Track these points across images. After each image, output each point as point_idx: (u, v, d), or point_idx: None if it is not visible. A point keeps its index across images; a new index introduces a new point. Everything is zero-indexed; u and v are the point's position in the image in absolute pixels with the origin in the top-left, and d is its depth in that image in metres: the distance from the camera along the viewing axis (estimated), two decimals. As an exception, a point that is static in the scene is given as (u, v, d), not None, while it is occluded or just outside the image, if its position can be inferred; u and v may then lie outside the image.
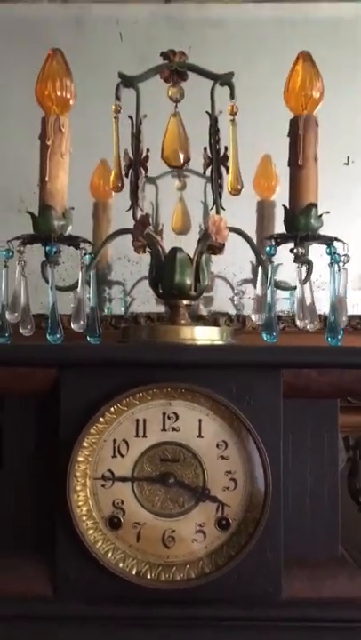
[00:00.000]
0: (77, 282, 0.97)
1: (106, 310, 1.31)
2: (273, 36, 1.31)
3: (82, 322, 0.95)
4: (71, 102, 0.99)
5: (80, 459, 0.84)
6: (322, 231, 0.95)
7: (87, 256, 0.97)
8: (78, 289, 0.96)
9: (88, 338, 0.97)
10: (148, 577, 0.84)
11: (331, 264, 0.94)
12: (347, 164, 1.33)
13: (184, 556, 0.85)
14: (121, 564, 0.84)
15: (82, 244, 0.95)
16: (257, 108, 1.25)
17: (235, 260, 1.24)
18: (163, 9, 1.31)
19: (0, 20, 1.31)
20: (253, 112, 1.23)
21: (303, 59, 1.00)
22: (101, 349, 0.88)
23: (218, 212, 0.98)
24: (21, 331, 0.97)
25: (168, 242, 1.31)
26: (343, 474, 1.06)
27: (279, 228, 1.25)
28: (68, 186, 0.96)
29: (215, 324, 1.25)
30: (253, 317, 0.99)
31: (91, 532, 0.84)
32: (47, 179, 0.97)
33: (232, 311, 1.29)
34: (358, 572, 0.87)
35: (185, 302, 0.96)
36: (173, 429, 0.86)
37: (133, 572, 0.84)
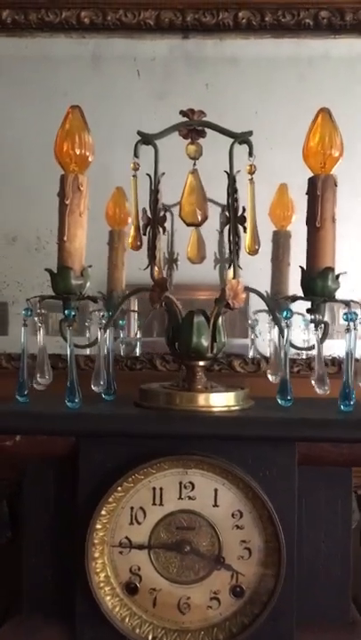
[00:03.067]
0: (96, 339, 0.98)
1: (122, 350, 1.31)
2: (290, 72, 1.29)
3: (102, 382, 0.96)
4: (90, 159, 0.99)
5: (98, 526, 0.86)
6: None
7: (105, 314, 0.98)
8: (97, 350, 0.96)
9: (103, 395, 0.98)
10: (164, 643, 0.86)
11: (348, 330, 0.94)
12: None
13: (199, 622, 0.87)
14: (137, 630, 0.86)
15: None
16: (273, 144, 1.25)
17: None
18: (181, 45, 1.29)
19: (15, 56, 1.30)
20: (269, 148, 1.24)
21: (322, 116, 0.99)
22: (120, 420, 0.89)
23: (235, 273, 0.97)
24: (36, 386, 0.97)
25: (183, 269, 1.34)
26: (355, 530, 1.08)
27: (294, 258, 1.27)
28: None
29: (230, 366, 1.26)
30: (270, 378, 0.99)
31: (108, 597, 0.87)
32: (65, 238, 0.97)
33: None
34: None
35: (202, 363, 0.97)
36: (189, 498, 0.87)
37: (150, 638, 0.86)
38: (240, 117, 1.21)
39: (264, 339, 1.25)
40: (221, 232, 1.00)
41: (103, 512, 0.86)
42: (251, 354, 1.31)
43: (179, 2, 1.26)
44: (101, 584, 0.86)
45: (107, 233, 1.30)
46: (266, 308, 1.03)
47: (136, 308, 1.37)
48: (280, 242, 1.35)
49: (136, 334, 1.36)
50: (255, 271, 1.18)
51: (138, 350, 1.33)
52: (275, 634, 0.86)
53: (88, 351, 1.10)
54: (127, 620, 0.87)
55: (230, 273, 0.98)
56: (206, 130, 0.99)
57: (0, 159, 1.30)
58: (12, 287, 1.29)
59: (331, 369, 1.19)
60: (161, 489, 0.87)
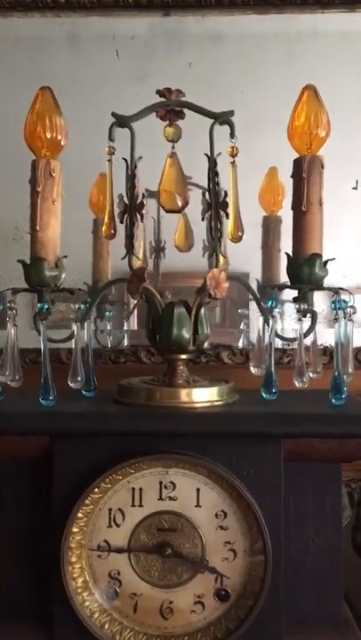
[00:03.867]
0: (72, 333, 0.93)
1: (109, 342, 1.27)
2: (277, 49, 1.24)
3: (79, 378, 0.91)
4: (62, 143, 0.94)
5: (75, 529, 0.82)
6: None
7: (82, 306, 0.94)
8: (73, 344, 0.92)
9: (83, 391, 0.93)
10: (146, 649, 0.83)
11: (336, 319, 0.89)
12: (355, 188, 1.27)
13: (182, 627, 0.83)
14: (118, 637, 0.83)
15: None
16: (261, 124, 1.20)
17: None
18: (161, 23, 1.24)
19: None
20: (258, 129, 1.20)
21: (308, 93, 0.94)
22: (95, 418, 0.84)
23: (217, 262, 0.93)
24: (6, 380, 0.93)
25: (170, 257, 1.29)
26: (347, 527, 1.04)
27: (285, 244, 1.22)
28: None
29: (218, 357, 1.22)
30: (253, 370, 0.95)
31: (87, 603, 0.83)
32: (38, 227, 0.92)
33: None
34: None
35: (183, 357, 0.92)
36: (170, 498, 0.83)
37: (131, 645, 0.83)
38: (225, 97, 1.18)
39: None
40: (203, 219, 0.95)
41: (80, 515, 0.82)
42: (240, 344, 1.27)
43: (158, -23, 1.20)
44: (79, 589, 0.83)
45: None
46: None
47: (126, 300, 1.33)
48: (270, 227, 1.31)
49: (123, 325, 1.32)
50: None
51: (125, 342, 1.29)
52: (262, 638, 0.82)
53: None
54: (107, 626, 0.83)
55: (221, 260, 0.93)
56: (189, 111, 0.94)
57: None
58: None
59: (323, 359, 1.14)
60: (140, 489, 0.83)
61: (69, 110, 0.95)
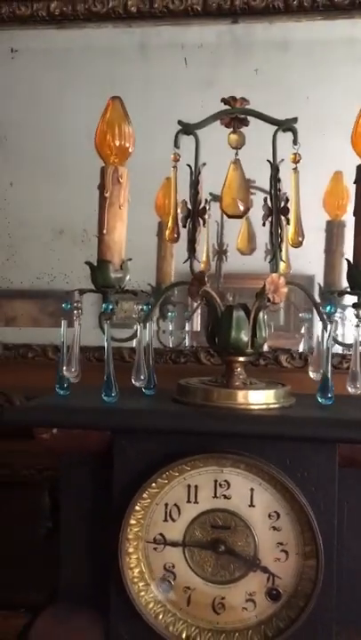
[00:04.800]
0: (135, 333, 0.97)
1: (170, 342, 1.30)
2: (345, 56, 1.23)
3: (142, 377, 0.95)
4: (130, 150, 0.97)
5: (132, 522, 0.86)
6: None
7: (145, 308, 0.97)
8: (134, 344, 0.95)
9: (144, 390, 0.97)
10: (197, 642, 0.85)
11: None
12: None
13: (233, 623, 0.85)
14: (171, 628, 0.86)
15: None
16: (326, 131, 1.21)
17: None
18: (229, 30, 1.26)
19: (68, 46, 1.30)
20: (322, 136, 1.20)
21: (373, 99, 0.94)
22: (154, 416, 0.88)
23: (277, 267, 0.94)
24: (67, 374, 0.97)
25: (232, 260, 1.31)
26: None
27: (349, 249, 1.22)
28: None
29: (277, 360, 1.23)
30: (311, 375, 0.96)
31: (142, 593, 0.86)
32: (105, 231, 0.96)
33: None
34: None
35: (241, 359, 0.94)
36: (225, 497, 0.85)
37: (183, 636, 0.85)
38: (291, 103, 1.19)
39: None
40: (264, 224, 0.96)
41: (137, 508, 0.86)
42: (301, 348, 1.28)
43: (226, -15, 1.23)
44: (135, 579, 0.86)
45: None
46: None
47: (188, 301, 1.35)
48: (334, 232, 1.30)
49: (184, 327, 1.35)
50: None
51: (186, 343, 1.32)
52: (312, 639, 0.83)
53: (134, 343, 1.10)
54: (161, 616, 0.86)
55: (283, 265, 0.95)
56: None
57: (49, 152, 1.31)
58: (58, 279, 1.30)
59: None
60: (196, 486, 0.86)
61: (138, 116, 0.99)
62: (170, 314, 1.34)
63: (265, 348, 1.23)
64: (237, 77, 1.24)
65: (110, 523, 0.86)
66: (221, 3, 1.23)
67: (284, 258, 0.96)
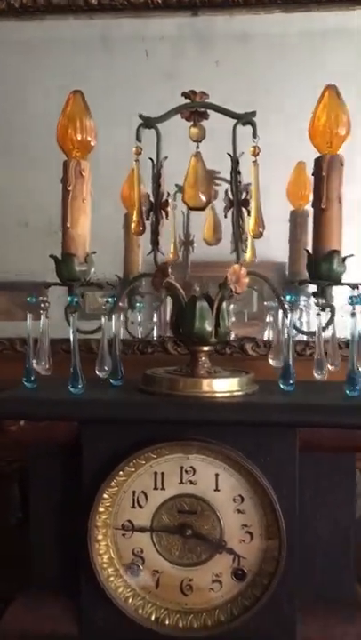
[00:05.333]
0: (101, 325, 0.98)
1: (139, 332, 1.31)
2: (302, 48, 1.26)
3: (106, 368, 0.96)
4: (92, 144, 0.98)
5: (101, 509, 0.88)
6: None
7: (110, 300, 0.98)
8: (100, 335, 0.97)
9: (111, 380, 0.99)
10: (167, 623, 0.88)
11: (353, 314, 0.92)
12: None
13: (201, 604, 0.88)
14: (140, 610, 0.88)
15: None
16: (286, 121, 1.23)
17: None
18: (190, 23, 1.27)
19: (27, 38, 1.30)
20: (281, 126, 1.22)
21: (329, 93, 0.96)
22: (120, 406, 0.90)
23: (238, 258, 0.96)
24: (37, 367, 0.98)
25: (201, 249, 1.33)
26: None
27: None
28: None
29: (242, 349, 1.26)
30: (271, 362, 0.99)
31: (112, 578, 0.89)
32: (69, 224, 0.97)
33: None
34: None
35: (205, 348, 0.96)
36: (191, 482, 0.88)
37: (152, 619, 0.88)
38: (251, 94, 1.21)
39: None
40: (225, 215, 0.98)
41: (105, 496, 0.88)
42: (266, 337, 1.31)
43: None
44: (105, 565, 0.88)
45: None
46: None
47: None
48: (297, 221, 1.33)
49: (152, 317, 1.37)
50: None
51: (155, 333, 1.34)
52: (277, 616, 0.87)
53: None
54: (130, 600, 0.89)
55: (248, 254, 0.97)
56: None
57: (12, 144, 1.31)
58: (25, 272, 1.30)
59: (344, 352, 1.17)
60: (162, 473, 0.88)
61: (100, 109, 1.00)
62: (138, 305, 1.36)
63: (231, 336, 1.25)
64: (198, 69, 1.26)
65: (79, 511, 0.88)
66: (182, -5, 1.24)
67: (248, 247, 0.98)
